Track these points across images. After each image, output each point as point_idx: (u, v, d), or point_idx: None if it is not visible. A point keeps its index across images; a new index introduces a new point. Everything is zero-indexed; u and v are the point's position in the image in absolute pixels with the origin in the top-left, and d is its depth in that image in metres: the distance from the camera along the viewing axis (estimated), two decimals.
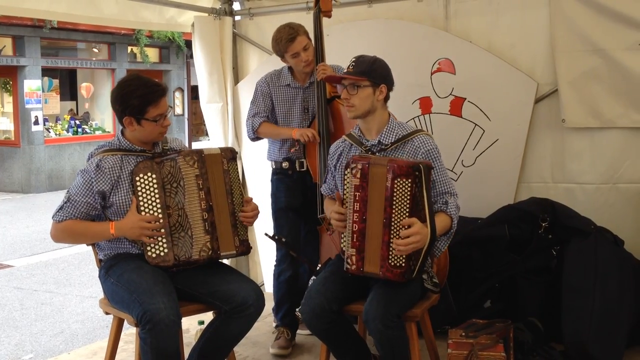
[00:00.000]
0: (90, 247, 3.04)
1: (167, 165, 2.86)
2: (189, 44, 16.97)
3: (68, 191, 2.88)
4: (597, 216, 3.77)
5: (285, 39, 3.67)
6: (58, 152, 14.25)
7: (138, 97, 2.82)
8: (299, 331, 3.97)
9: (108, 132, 15.61)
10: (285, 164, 3.85)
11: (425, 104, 4.29)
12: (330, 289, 2.80)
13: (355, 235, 2.75)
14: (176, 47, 16.55)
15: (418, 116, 4.30)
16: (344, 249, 2.81)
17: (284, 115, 3.85)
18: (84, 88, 15.80)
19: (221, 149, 3.00)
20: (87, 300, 6.14)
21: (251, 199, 3.07)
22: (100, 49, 15.56)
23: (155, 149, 2.97)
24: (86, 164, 2.90)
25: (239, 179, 3.05)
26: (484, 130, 4.15)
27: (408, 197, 2.62)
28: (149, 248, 2.83)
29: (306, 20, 3.91)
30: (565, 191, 4.02)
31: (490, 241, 3.78)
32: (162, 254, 2.82)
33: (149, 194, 2.84)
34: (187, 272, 2.88)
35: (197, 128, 20.05)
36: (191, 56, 17.11)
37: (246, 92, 4.89)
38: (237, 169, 3.02)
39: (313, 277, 4.17)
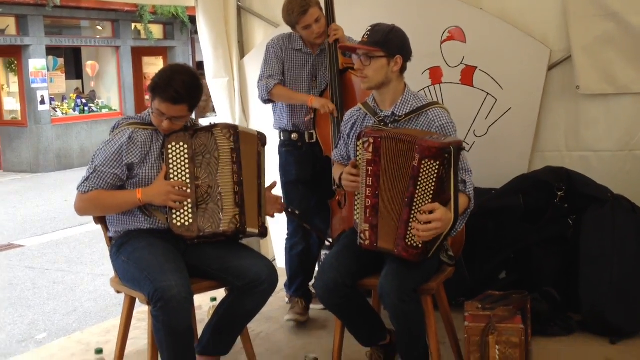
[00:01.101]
0: (100, 225, 3.00)
1: (201, 137, 2.84)
2: (193, 19, 16.89)
3: (92, 162, 2.83)
4: (614, 184, 3.71)
5: (297, 11, 3.60)
6: (65, 131, 14.22)
7: (154, 81, 2.78)
8: (312, 306, 3.94)
9: (115, 110, 15.56)
10: (294, 135, 3.79)
11: (435, 74, 4.21)
12: (343, 263, 2.76)
13: (368, 210, 2.70)
14: (180, 23, 16.42)
15: (428, 86, 4.23)
16: (357, 221, 2.77)
17: (292, 80, 3.77)
18: (89, 66, 15.72)
19: (257, 132, 3.02)
20: (99, 278, 6.14)
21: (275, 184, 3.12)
22: (104, 26, 15.45)
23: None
24: (113, 134, 2.87)
25: (264, 165, 3.04)
26: (496, 99, 4.07)
27: (434, 179, 2.54)
28: (174, 216, 2.80)
29: None
30: (580, 159, 3.95)
31: (505, 211, 3.72)
32: (186, 223, 2.79)
33: (179, 163, 2.82)
34: (199, 248, 2.85)
35: (205, 105, 19.97)
36: (196, 32, 16.92)
37: (252, 66, 4.80)
38: (264, 154, 3.03)
39: (325, 252, 4.18)
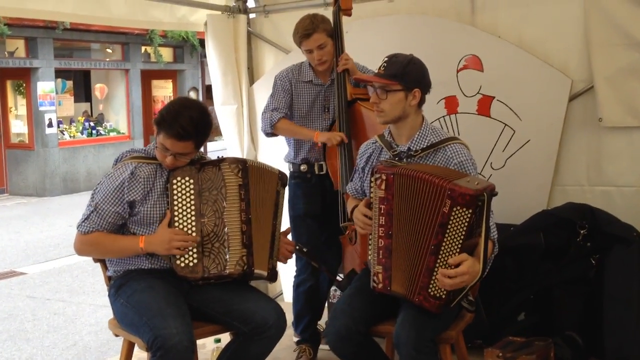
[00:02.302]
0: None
1: (208, 172, 2.70)
2: (203, 43, 16.80)
3: (93, 198, 2.69)
4: (637, 220, 3.53)
5: (300, 33, 3.48)
6: (72, 154, 14.13)
7: (160, 115, 2.64)
8: (321, 346, 3.76)
9: (123, 133, 15.49)
10: (303, 167, 3.63)
11: (451, 104, 4.06)
12: (356, 308, 2.59)
13: (381, 251, 2.53)
14: (190, 47, 16.39)
15: (443, 116, 4.07)
16: (370, 261, 2.60)
17: (304, 113, 3.63)
18: (98, 89, 15.68)
19: (279, 170, 2.91)
20: (101, 309, 5.96)
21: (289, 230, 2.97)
22: (113, 49, 15.43)
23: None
24: (115, 169, 2.72)
25: (282, 206, 2.90)
26: (514, 131, 3.90)
27: (464, 228, 2.36)
28: (178, 256, 2.65)
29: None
30: (602, 194, 3.76)
31: (525, 250, 3.54)
32: (190, 264, 2.64)
33: (185, 199, 2.68)
34: (202, 289, 2.69)
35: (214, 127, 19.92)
36: (205, 55, 17.11)
37: (262, 93, 4.68)
38: (283, 195, 2.90)
39: (334, 289, 4.01)
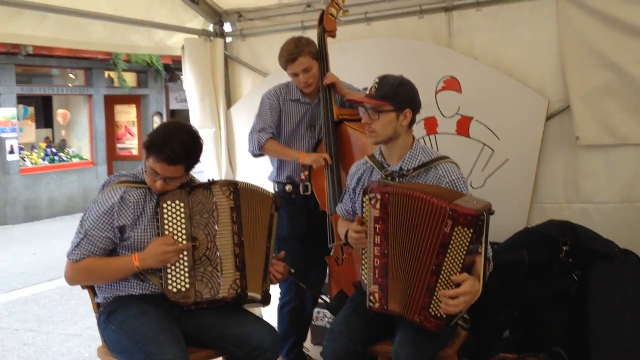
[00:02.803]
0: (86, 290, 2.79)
1: (198, 195, 2.67)
2: (167, 67, 16.75)
3: (82, 225, 2.64)
4: (615, 237, 3.58)
5: (285, 57, 3.50)
6: (34, 181, 13.85)
7: (150, 138, 2.61)
8: None
9: (85, 159, 15.25)
10: (288, 187, 3.63)
11: (430, 124, 4.10)
12: (354, 328, 2.58)
13: (377, 271, 2.54)
14: (154, 71, 16.28)
15: (423, 137, 4.11)
16: (365, 282, 2.60)
17: (290, 132, 3.64)
18: (60, 115, 15.45)
19: (273, 194, 2.91)
20: (72, 339, 5.82)
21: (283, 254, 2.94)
22: (76, 74, 15.24)
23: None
24: (102, 194, 2.67)
25: (275, 229, 2.89)
26: (493, 150, 3.96)
27: (465, 248, 2.38)
28: (170, 281, 2.60)
29: None
30: (580, 212, 3.84)
31: (509, 267, 3.56)
32: (183, 289, 2.60)
33: (175, 223, 2.64)
34: (195, 314, 2.65)
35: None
36: (169, 80, 16.96)
37: (240, 116, 4.69)
38: (277, 218, 2.89)
39: (319, 310, 3.99)
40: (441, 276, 2.40)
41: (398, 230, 2.49)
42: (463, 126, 4.03)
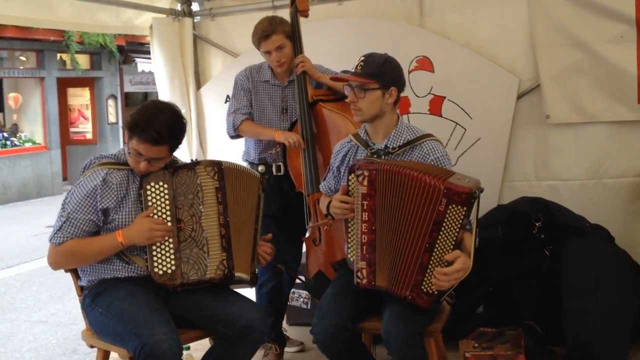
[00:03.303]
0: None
1: (182, 175, 2.62)
2: (121, 49, 16.37)
3: (64, 208, 2.57)
4: (584, 213, 3.69)
5: (259, 34, 3.47)
6: None
7: (133, 119, 2.55)
8: (286, 349, 3.74)
9: (39, 144, 14.88)
10: (261, 167, 3.61)
11: (403, 104, 4.13)
12: (343, 306, 2.60)
13: (364, 247, 2.55)
14: (108, 53, 15.92)
15: None
16: (351, 259, 2.61)
17: (260, 113, 3.62)
18: (11, 98, 15.01)
19: (260, 175, 2.89)
20: (38, 325, 5.70)
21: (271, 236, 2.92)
22: (27, 57, 14.82)
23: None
24: (84, 176, 2.61)
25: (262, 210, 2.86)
26: (465, 130, 4.02)
27: (459, 225, 2.41)
28: (155, 263, 2.57)
29: None
30: (549, 189, 3.93)
31: (484, 244, 3.58)
32: (169, 271, 2.57)
33: (159, 205, 2.60)
34: (181, 295, 2.62)
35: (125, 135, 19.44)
36: (123, 62, 16.64)
37: (210, 97, 4.64)
38: (263, 200, 2.87)
39: (296, 290, 4.00)
40: (434, 254, 2.44)
41: (386, 207, 2.51)
42: (436, 106, 4.07)
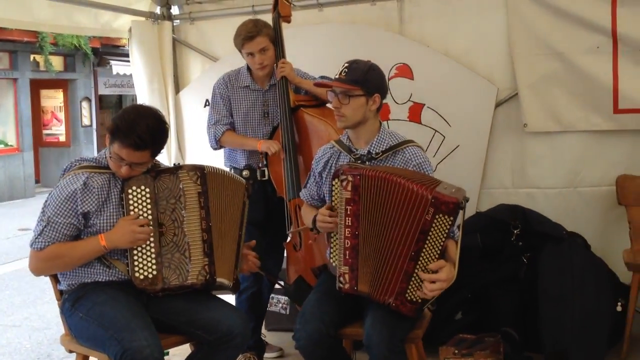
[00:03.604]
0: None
1: (165, 179, 2.60)
2: (95, 51, 16.18)
3: (44, 212, 2.54)
4: (560, 220, 3.75)
5: (243, 36, 3.46)
6: None
7: (115, 123, 2.53)
8: (266, 355, 3.73)
9: (11, 145, 14.68)
10: (245, 172, 3.60)
11: (383, 111, 4.05)
12: (326, 311, 2.59)
13: (347, 252, 2.56)
14: (82, 55, 15.77)
15: None
16: (334, 264, 2.62)
17: (242, 119, 3.61)
18: None
19: (245, 181, 2.88)
20: (11, 330, 5.62)
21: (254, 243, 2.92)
22: (0, 57, 14.64)
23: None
24: (64, 180, 2.58)
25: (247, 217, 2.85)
26: (444, 137, 4.05)
27: (445, 235, 2.43)
28: (136, 268, 2.54)
29: None
30: (526, 196, 3.98)
31: (462, 251, 3.62)
32: (150, 275, 2.55)
33: (141, 209, 2.57)
34: (163, 299, 2.60)
35: (106, 139, 19.25)
36: (98, 64, 16.47)
37: (189, 101, 4.63)
38: (248, 206, 2.86)
39: (275, 296, 3.99)
40: (419, 262, 2.45)
41: (370, 212, 2.52)
42: (415, 113, 4.10)
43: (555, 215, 3.79)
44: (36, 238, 2.52)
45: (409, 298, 2.46)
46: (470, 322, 3.66)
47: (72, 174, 2.58)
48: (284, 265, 3.72)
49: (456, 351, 2.82)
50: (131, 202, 2.57)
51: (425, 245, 2.43)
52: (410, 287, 2.46)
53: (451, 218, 2.40)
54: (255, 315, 3.67)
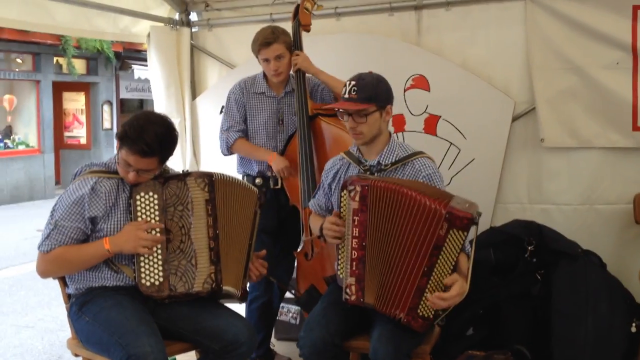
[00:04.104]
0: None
1: (172, 186, 2.60)
2: (118, 55, 16.31)
3: (52, 216, 2.56)
4: (576, 238, 3.67)
5: (260, 42, 3.48)
6: None
7: (124, 129, 2.53)
8: None
9: (32, 147, 14.84)
10: (258, 180, 3.60)
11: (398, 122, 4.13)
12: (331, 320, 2.58)
13: (354, 263, 2.54)
14: (105, 59, 15.92)
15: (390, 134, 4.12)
16: (341, 276, 2.60)
17: (257, 126, 3.61)
18: (6, 100, 14.96)
19: (259, 188, 2.89)
20: (24, 330, 5.66)
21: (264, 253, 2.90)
22: (24, 59, 14.80)
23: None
24: (73, 184, 2.59)
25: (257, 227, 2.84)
26: (459, 150, 4.02)
27: (458, 250, 2.41)
28: (143, 275, 2.54)
29: None
30: (542, 212, 3.92)
31: (475, 266, 3.57)
32: (156, 282, 2.54)
33: (149, 215, 2.57)
34: (169, 306, 2.60)
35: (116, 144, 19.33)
36: (120, 68, 16.60)
37: (205, 107, 4.64)
38: (259, 216, 2.85)
39: (285, 305, 3.97)
40: (432, 278, 2.43)
41: (379, 224, 2.50)
42: (431, 125, 4.07)
43: (571, 232, 3.72)
44: (43, 241, 2.54)
45: (420, 314, 2.44)
46: (482, 339, 3.61)
47: (81, 178, 2.59)
48: (294, 275, 3.71)
49: None
50: (139, 208, 2.58)
51: (439, 261, 2.41)
52: (422, 302, 2.43)
53: (465, 233, 2.39)
54: (265, 325, 3.66)
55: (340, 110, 2.76)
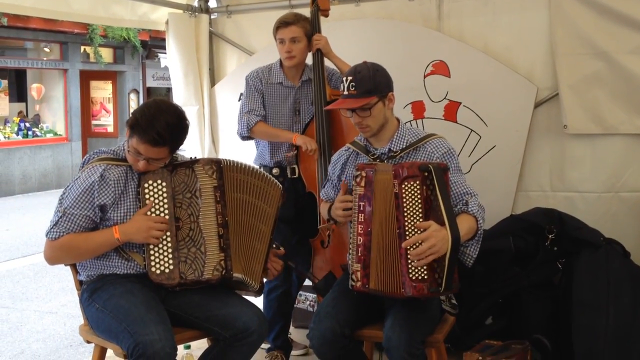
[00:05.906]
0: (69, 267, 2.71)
1: (181, 174, 2.58)
2: (144, 44, 16.41)
3: (61, 203, 2.55)
4: (599, 226, 3.59)
5: (279, 22, 3.48)
6: (7, 156, 13.59)
7: (135, 117, 2.52)
8: (293, 352, 3.70)
9: (60, 135, 15.01)
10: (275, 170, 3.57)
11: (418, 109, 4.07)
12: (341, 310, 2.55)
13: (359, 249, 2.51)
14: (131, 48, 16.02)
15: (410, 121, 4.08)
16: (349, 262, 2.57)
17: (273, 115, 3.58)
18: (34, 89, 15.15)
19: (276, 177, 2.91)
20: (47, 316, 5.73)
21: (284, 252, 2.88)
22: (51, 48, 14.95)
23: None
24: (82, 171, 2.58)
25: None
26: (480, 137, 3.94)
27: (419, 201, 2.36)
28: (153, 262, 2.53)
29: None
30: (565, 200, 3.84)
31: (494, 254, 3.55)
32: (166, 270, 2.53)
33: (157, 203, 2.56)
34: (180, 294, 2.59)
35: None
36: (147, 57, 16.69)
37: (224, 94, 4.61)
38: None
39: (303, 293, 3.95)
40: (407, 236, 2.38)
41: (380, 208, 2.47)
42: (451, 111, 4.01)
43: (594, 220, 3.64)
44: (52, 228, 2.53)
45: (413, 277, 2.37)
46: (501, 328, 3.56)
47: (90, 166, 2.58)
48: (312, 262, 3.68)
49: (480, 357, 2.73)
50: (147, 196, 2.56)
51: (405, 218, 2.38)
52: (410, 265, 2.37)
53: (417, 182, 2.37)
54: (283, 315, 3.64)
55: (341, 108, 2.73)
